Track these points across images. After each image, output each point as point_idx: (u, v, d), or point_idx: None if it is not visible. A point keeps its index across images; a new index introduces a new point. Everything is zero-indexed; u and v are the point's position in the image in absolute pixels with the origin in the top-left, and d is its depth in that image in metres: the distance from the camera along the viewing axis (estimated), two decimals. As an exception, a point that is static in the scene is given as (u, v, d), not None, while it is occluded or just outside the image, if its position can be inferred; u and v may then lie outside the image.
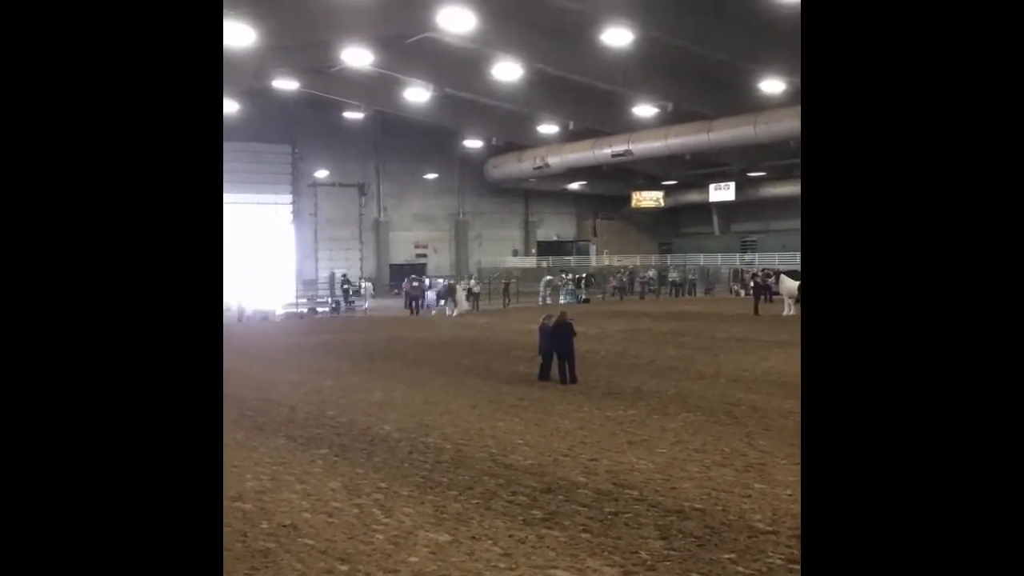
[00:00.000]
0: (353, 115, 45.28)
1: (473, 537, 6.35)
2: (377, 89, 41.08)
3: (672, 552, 5.98)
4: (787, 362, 16.37)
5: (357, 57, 33.10)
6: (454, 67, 35.33)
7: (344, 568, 5.77)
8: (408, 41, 30.02)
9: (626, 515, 6.83)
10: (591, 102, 39.62)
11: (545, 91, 38.11)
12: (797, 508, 6.92)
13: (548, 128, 44.00)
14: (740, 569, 5.64)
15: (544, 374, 14.35)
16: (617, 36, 28.69)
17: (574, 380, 13.94)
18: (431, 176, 52.39)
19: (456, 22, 28.27)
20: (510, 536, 6.36)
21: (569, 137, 44.83)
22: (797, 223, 39.55)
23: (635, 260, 52.91)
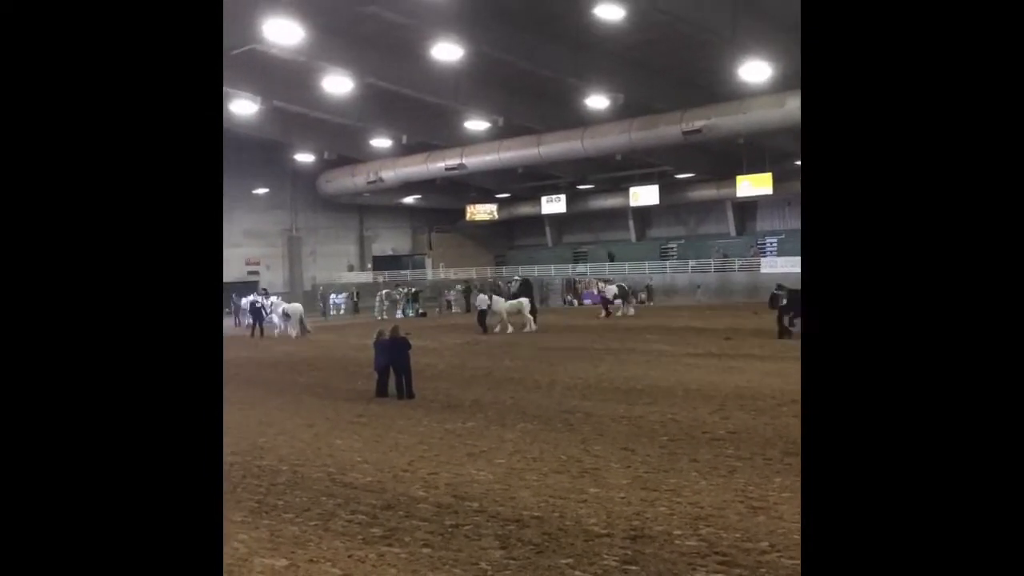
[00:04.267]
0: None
1: (311, 560, 6.21)
2: (201, 101, 39.50)
3: (512, 561, 6.04)
4: (618, 368, 16.90)
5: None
6: (282, 80, 34.54)
7: (174, 602, 5.50)
8: (233, 53, 29.09)
9: (466, 527, 6.86)
10: (423, 116, 39.63)
11: (377, 105, 37.86)
12: (630, 510, 7.16)
13: (381, 142, 43.61)
14: (578, 573, 5.76)
15: (381, 390, 14.23)
16: (446, 51, 28.88)
17: (411, 395, 13.89)
18: (261, 191, 50.77)
19: (282, 34, 27.68)
20: (349, 556, 6.26)
21: (402, 151, 44.63)
22: (626, 234, 41.30)
23: (471, 273, 53.28)
